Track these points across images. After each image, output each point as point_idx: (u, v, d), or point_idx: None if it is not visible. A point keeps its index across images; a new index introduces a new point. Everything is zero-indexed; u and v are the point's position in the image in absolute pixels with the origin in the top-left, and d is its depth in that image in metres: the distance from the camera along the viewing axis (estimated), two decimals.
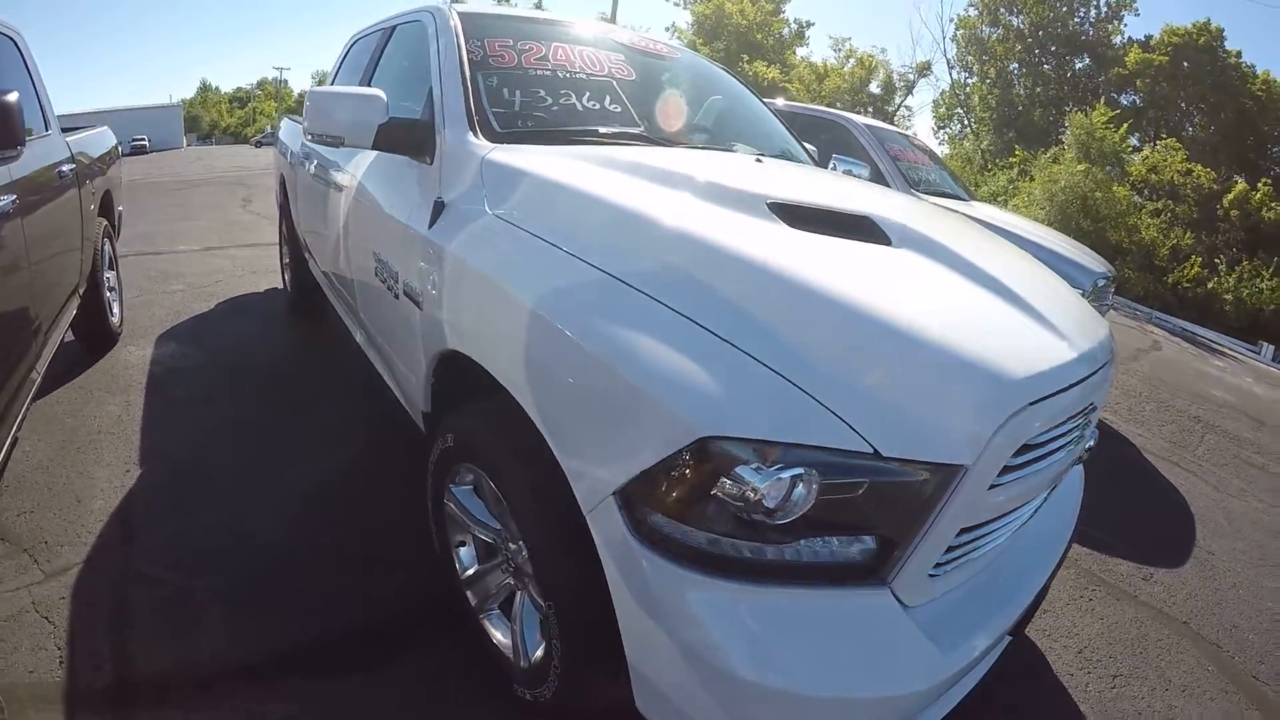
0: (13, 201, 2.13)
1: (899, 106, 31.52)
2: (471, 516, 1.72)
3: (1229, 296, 17.02)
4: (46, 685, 1.70)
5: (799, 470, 1.01)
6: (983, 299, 1.37)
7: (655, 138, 2.23)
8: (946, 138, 29.49)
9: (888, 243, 1.49)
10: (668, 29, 38.06)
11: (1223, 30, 23.95)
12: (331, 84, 3.75)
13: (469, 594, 1.81)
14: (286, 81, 78.04)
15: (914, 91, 31.28)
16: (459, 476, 1.72)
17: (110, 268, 3.93)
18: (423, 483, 1.92)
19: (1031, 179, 18.29)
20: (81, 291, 3.28)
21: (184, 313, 4.53)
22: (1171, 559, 2.99)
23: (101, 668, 1.75)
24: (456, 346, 1.60)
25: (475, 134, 1.88)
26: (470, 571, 1.81)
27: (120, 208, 4.40)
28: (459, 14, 2.36)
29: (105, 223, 3.85)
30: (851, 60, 31.71)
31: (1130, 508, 3.10)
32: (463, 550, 1.85)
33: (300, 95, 68.13)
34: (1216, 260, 18.02)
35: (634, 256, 1.28)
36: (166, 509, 2.41)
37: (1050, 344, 1.31)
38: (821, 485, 1.03)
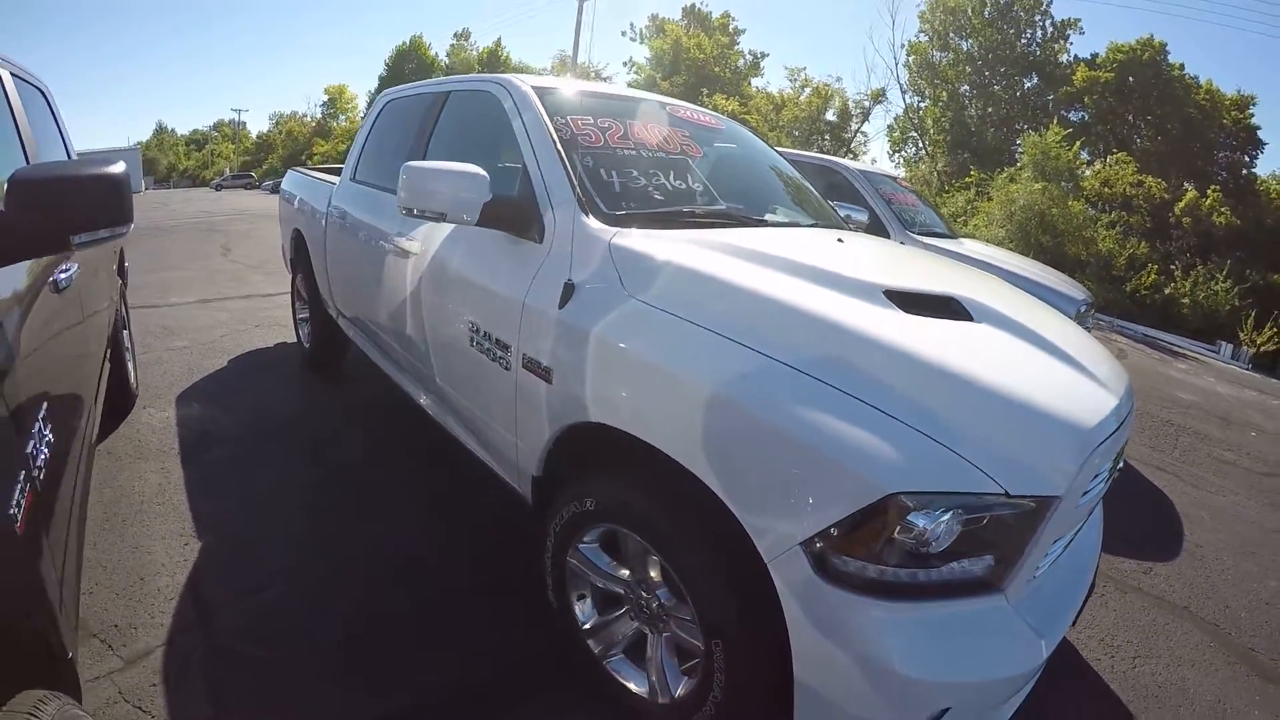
0: (77, 269, 2.11)
1: (855, 133, 32.39)
2: (600, 571, 1.93)
3: (1186, 300, 17.78)
4: None
5: (953, 511, 1.31)
6: (1049, 362, 1.72)
7: (738, 215, 2.47)
8: (902, 161, 30.33)
9: (970, 319, 1.79)
10: (625, 64, 38.79)
11: (1166, 45, 25.03)
12: (362, 144, 3.83)
13: (590, 643, 1.99)
14: (245, 124, 77.39)
15: (870, 118, 32.14)
16: (588, 535, 1.89)
17: (124, 326, 3.84)
18: (530, 541, 2.07)
19: (989, 199, 18.95)
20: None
21: (196, 370, 4.50)
22: (1165, 553, 3.40)
23: None
24: (602, 419, 1.76)
25: (586, 214, 2.04)
26: (592, 622, 2.00)
27: (127, 263, 4.30)
28: (534, 89, 2.51)
29: (120, 281, 3.78)
30: (807, 90, 32.56)
31: (1124, 510, 3.38)
32: (582, 603, 2.03)
33: (259, 136, 67.53)
34: (1172, 266, 18.80)
35: (794, 344, 1.51)
36: (237, 583, 2.39)
37: (1102, 396, 1.68)
38: (965, 520, 1.33)
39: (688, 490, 1.58)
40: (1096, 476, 1.57)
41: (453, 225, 2.45)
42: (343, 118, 56.43)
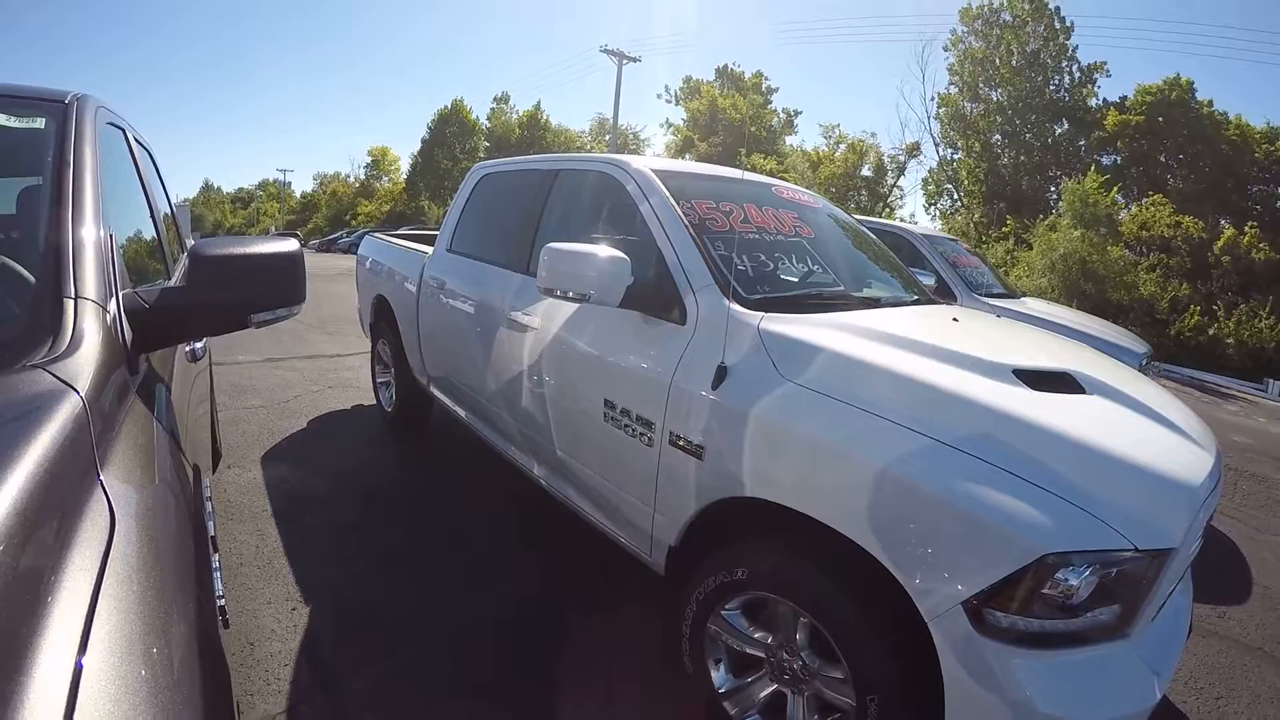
0: (205, 343, 2.16)
1: (891, 188, 32.57)
2: (741, 635, 2.06)
3: (1230, 340, 17.48)
4: None
5: (1093, 566, 1.49)
6: (1154, 427, 1.94)
7: (854, 294, 2.68)
8: (938, 213, 30.39)
9: (1084, 391, 2.00)
10: (662, 125, 39.59)
11: (1193, 83, 25.02)
12: (458, 216, 3.99)
13: (726, 704, 2.09)
14: (290, 184, 79.72)
15: (905, 172, 32.36)
16: (733, 602, 2.01)
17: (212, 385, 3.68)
18: (667, 610, 2.17)
19: (1030, 248, 18.94)
20: None
21: (276, 431, 4.54)
22: (1237, 597, 3.50)
23: None
24: (760, 494, 1.90)
25: (728, 298, 2.19)
26: (728, 685, 2.10)
27: None
28: (654, 171, 2.67)
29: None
30: (842, 146, 32.90)
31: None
32: (718, 668, 2.12)
33: (303, 195, 69.50)
34: (1215, 306, 18.50)
35: (946, 423, 1.70)
36: (355, 650, 2.37)
37: (1202, 455, 1.90)
38: (1103, 575, 1.51)
39: (845, 558, 1.76)
40: (1200, 528, 1.79)
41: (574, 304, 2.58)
42: (385, 178, 57.93)
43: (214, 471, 3.54)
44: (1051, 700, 1.49)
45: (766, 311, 2.16)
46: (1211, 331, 17.98)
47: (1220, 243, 20.42)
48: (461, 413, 3.70)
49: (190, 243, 1.64)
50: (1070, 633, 1.54)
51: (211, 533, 1.13)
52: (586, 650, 2.54)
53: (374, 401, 5.19)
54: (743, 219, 2.60)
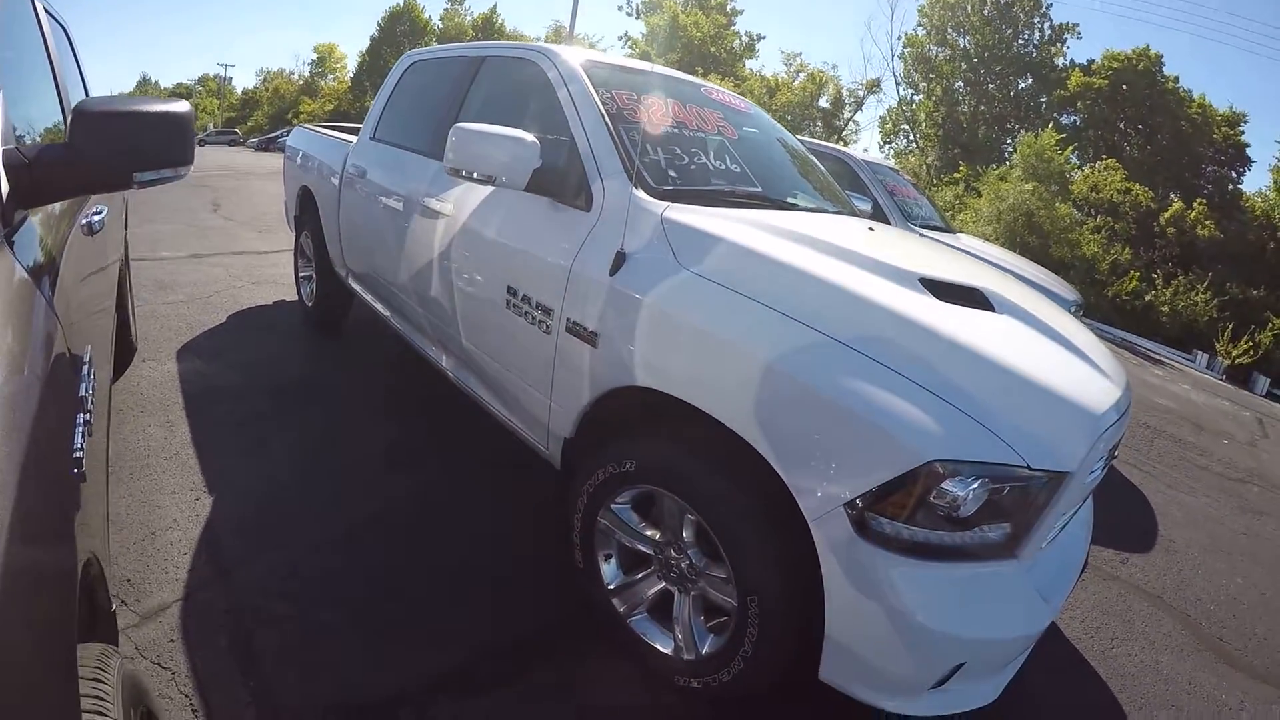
0: (107, 211, 2.05)
1: (847, 121, 32.42)
2: (631, 530, 2.02)
3: (1165, 309, 18.19)
4: None
5: (981, 479, 1.44)
6: (1062, 352, 1.90)
7: (772, 198, 2.57)
8: (892, 153, 30.44)
9: (992, 309, 1.94)
10: (620, 38, 38.42)
11: (1161, 56, 25.26)
12: (384, 104, 3.79)
13: (615, 601, 2.08)
14: (230, 80, 75.66)
15: (863, 108, 32.18)
16: (622, 496, 1.99)
17: (127, 277, 3.64)
18: (559, 501, 2.15)
19: (978, 195, 19.14)
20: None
21: (195, 325, 4.41)
22: (1141, 545, 3.60)
23: (244, 711, 1.72)
24: (651, 384, 1.85)
25: (636, 188, 2.11)
26: (617, 582, 2.09)
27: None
28: (580, 62, 2.55)
29: (124, 230, 3.61)
30: (802, 75, 32.49)
31: (1103, 503, 3.58)
32: (608, 563, 2.11)
33: (245, 93, 66.03)
34: (1154, 274, 19.15)
35: (843, 321, 1.63)
36: (255, 538, 2.37)
37: (1107, 386, 1.86)
38: (991, 489, 1.46)
39: (732, 453, 1.70)
40: (1099, 460, 1.75)
41: (488, 189, 2.51)
42: (331, 77, 55.46)
43: (129, 366, 3.56)
44: (931, 613, 1.47)
45: (674, 202, 2.08)
46: (1148, 298, 18.63)
47: (1167, 214, 20.99)
48: (377, 305, 3.58)
49: None
50: (955, 547, 1.51)
51: (78, 447, 1.06)
52: (483, 545, 2.56)
53: (296, 297, 5.07)
54: (663, 112, 2.50)
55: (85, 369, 1.29)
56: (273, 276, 5.98)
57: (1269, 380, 15.46)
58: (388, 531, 2.55)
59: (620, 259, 1.97)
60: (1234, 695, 2.44)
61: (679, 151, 2.38)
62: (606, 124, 2.28)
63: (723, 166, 2.48)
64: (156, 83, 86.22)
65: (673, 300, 1.84)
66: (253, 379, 3.69)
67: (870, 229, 2.56)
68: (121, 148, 1.23)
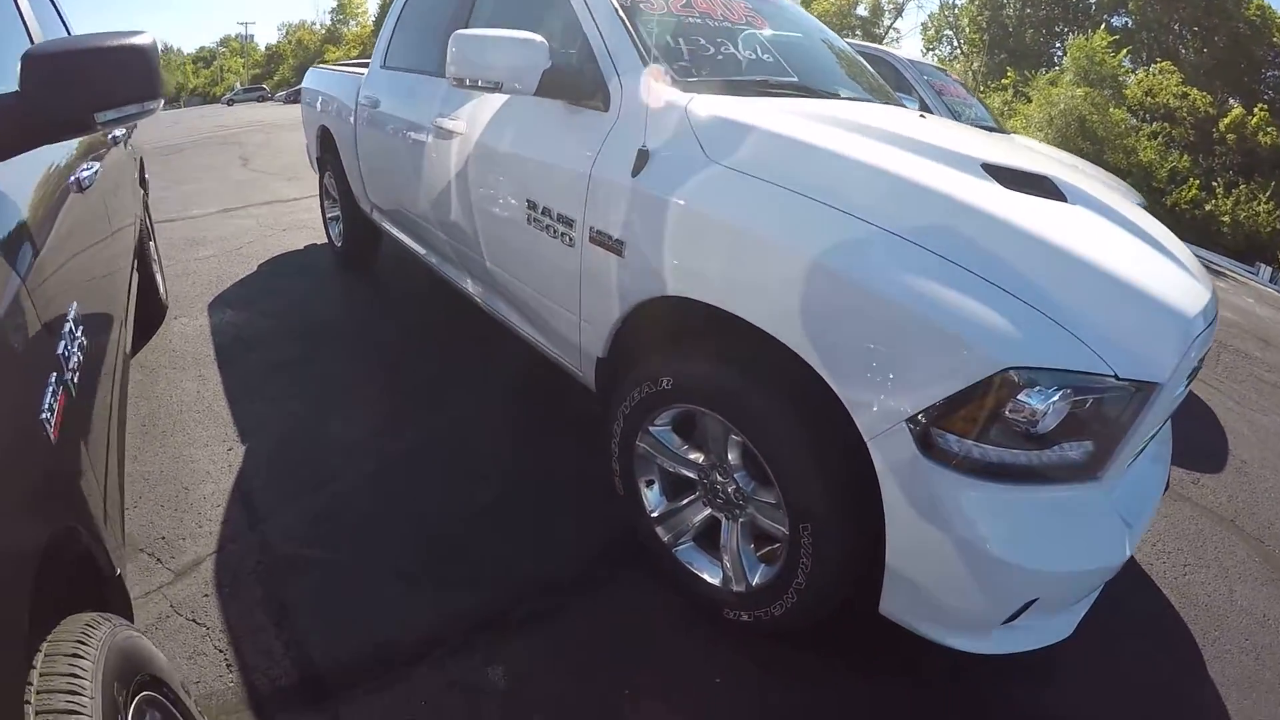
0: (99, 167, 2.00)
1: (888, 29, 31.00)
2: (672, 454, 1.87)
3: (1226, 219, 17.34)
4: (221, 694, 1.59)
5: (1063, 390, 1.25)
6: (1146, 250, 1.66)
7: (812, 88, 2.32)
8: (936, 60, 29.08)
9: (1064, 199, 1.70)
10: None
11: None
12: (392, 28, 3.61)
13: (659, 530, 1.96)
14: (252, 37, 74.87)
15: (903, 14, 30.67)
16: (661, 417, 1.84)
17: (149, 238, 3.68)
18: (598, 427, 2.03)
19: (1028, 101, 18.24)
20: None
21: (226, 278, 4.39)
22: (1212, 465, 3.36)
23: (278, 663, 1.67)
24: (684, 292, 1.68)
25: (656, 81, 1.91)
26: (661, 509, 1.96)
27: (147, 175, 4.10)
28: None
29: (143, 191, 3.64)
30: None
31: (1172, 420, 3.39)
32: (650, 489, 1.98)
33: (268, 48, 65.65)
34: (1214, 183, 18.21)
35: (899, 211, 1.42)
36: (287, 484, 2.32)
37: (1196, 288, 1.62)
38: (1073, 402, 1.27)
39: (777, 366, 1.53)
40: (1188, 372, 1.53)
41: (501, 100, 2.35)
42: (354, 22, 54.68)
43: (161, 325, 3.55)
44: (1006, 543, 1.30)
45: (700, 94, 1.87)
46: (1209, 207, 17.75)
47: (1227, 120, 19.86)
48: (403, 237, 3.49)
49: None
50: (1032, 467, 1.33)
51: (47, 407, 1.00)
52: (522, 478, 2.47)
53: (326, 239, 5.03)
54: (684, 3, 2.26)
55: (68, 327, 1.22)
56: (303, 222, 5.99)
57: None
58: (423, 469, 2.48)
59: (643, 158, 1.78)
60: None
61: (703, 42, 2.14)
62: (620, 15, 2.06)
63: (753, 57, 2.24)
64: (179, 49, 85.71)
65: (702, 198, 1.64)
66: (284, 324, 3.66)
67: (922, 116, 2.32)
68: (78, 89, 1.16)
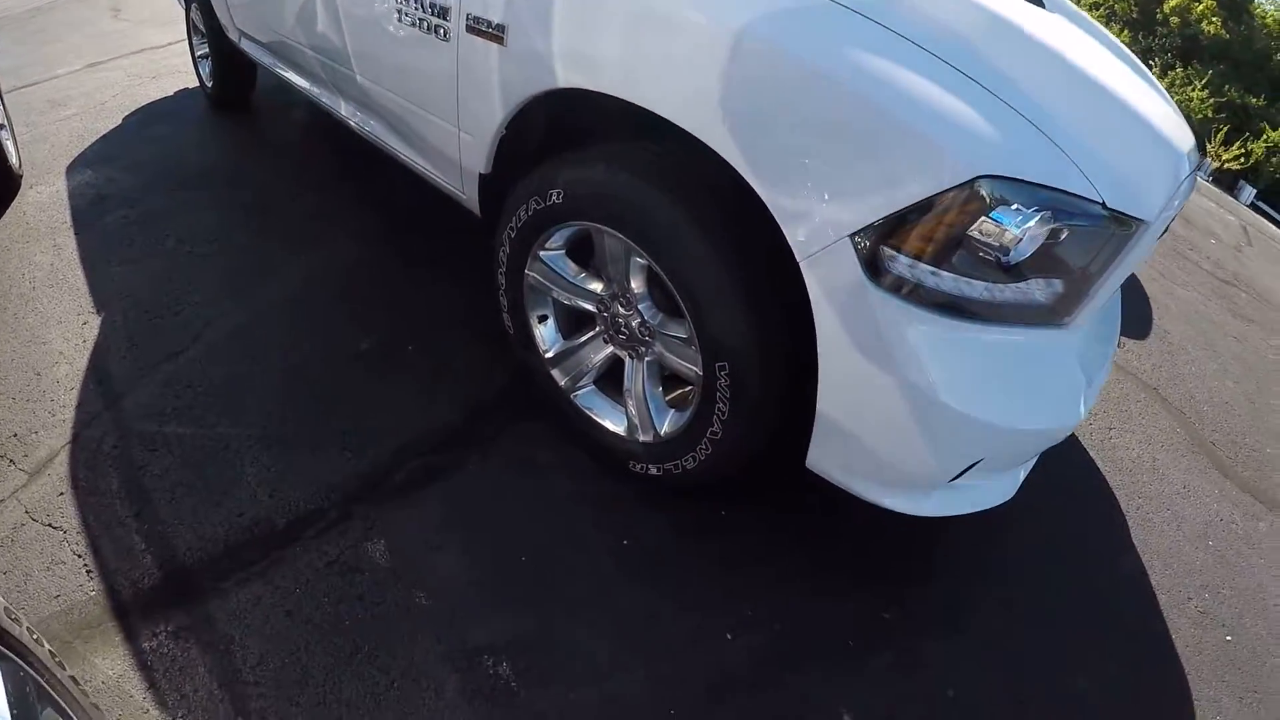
0: None
1: None
2: (566, 283, 1.59)
3: None
4: (82, 605, 1.39)
5: (1043, 213, 1.02)
6: (1133, 74, 1.46)
7: None
8: None
9: (1042, 5, 1.49)
10: None
11: None
12: None
13: (555, 373, 1.71)
14: None
15: None
16: (553, 239, 1.54)
17: None
18: (480, 255, 1.80)
19: None
20: None
21: (88, 135, 3.83)
22: (1137, 332, 3.29)
23: (140, 563, 1.46)
24: (578, 84, 1.35)
25: None
26: (557, 348, 1.70)
27: None
28: None
29: None
30: None
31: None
32: (544, 326, 1.72)
33: None
34: (1150, 63, 18.27)
35: None
36: (147, 353, 2.04)
37: (1184, 127, 1.43)
38: (1052, 230, 1.04)
39: (690, 170, 1.26)
40: (1167, 220, 1.34)
41: None
42: None
43: (13, 197, 3.08)
44: (958, 389, 1.11)
45: None
46: None
47: (1172, 2, 19.75)
48: (275, 66, 3.04)
49: None
50: (994, 304, 1.10)
51: None
52: (406, 323, 2.21)
53: (197, 82, 4.50)
54: None
55: None
56: (175, 68, 5.32)
57: (1254, 191, 15.10)
58: (296, 319, 2.20)
59: None
60: (1225, 506, 2.22)
61: None
62: None
63: None
64: None
65: None
66: (148, 178, 3.20)
67: None
68: None
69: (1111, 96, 1.19)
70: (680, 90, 1.20)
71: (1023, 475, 1.49)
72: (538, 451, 1.76)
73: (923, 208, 1.01)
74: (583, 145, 1.46)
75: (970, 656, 1.49)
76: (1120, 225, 1.08)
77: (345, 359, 2.02)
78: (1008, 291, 1.09)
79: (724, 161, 1.16)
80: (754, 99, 1.11)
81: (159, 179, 3.18)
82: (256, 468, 1.66)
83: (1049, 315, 1.16)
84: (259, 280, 2.38)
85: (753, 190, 1.14)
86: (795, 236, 1.11)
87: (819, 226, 1.08)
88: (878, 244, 1.05)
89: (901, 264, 1.06)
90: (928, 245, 1.04)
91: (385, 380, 1.95)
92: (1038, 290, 1.11)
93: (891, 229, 1.04)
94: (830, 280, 1.10)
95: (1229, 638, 1.72)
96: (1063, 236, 1.06)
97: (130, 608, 1.38)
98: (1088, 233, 1.08)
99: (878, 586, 1.58)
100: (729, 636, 1.43)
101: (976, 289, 1.07)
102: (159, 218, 2.80)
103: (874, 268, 1.07)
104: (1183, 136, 1.35)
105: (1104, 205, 1.03)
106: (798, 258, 1.12)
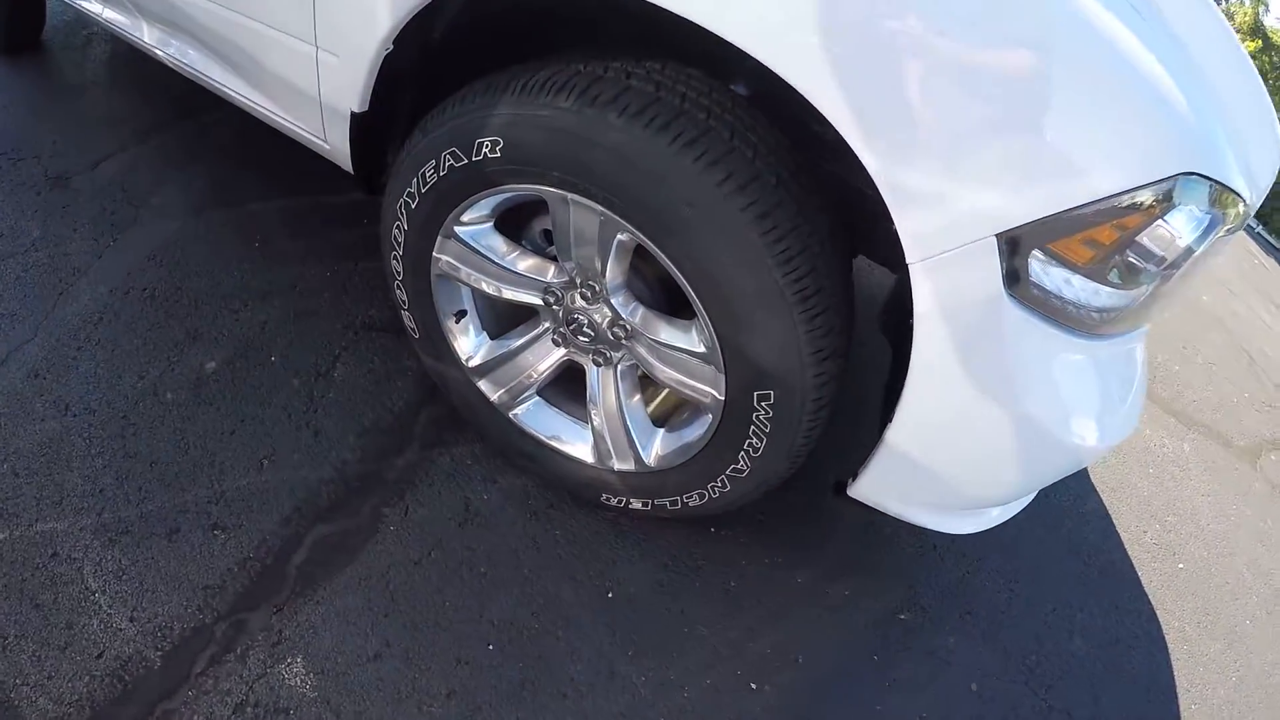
0: None
1: None
2: (497, 267, 1.14)
3: None
4: None
5: (1211, 215, 0.82)
6: (1240, 52, 1.19)
7: None
8: None
9: None
10: None
11: None
12: None
13: (483, 386, 1.30)
14: None
15: None
16: (476, 209, 1.09)
17: None
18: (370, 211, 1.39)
19: None
20: None
21: None
22: None
23: None
24: None
25: None
26: (483, 354, 1.28)
27: None
28: None
29: None
30: None
31: None
32: (462, 325, 1.28)
33: None
34: None
35: None
36: None
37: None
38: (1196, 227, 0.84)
39: (730, 115, 0.89)
40: None
41: None
42: None
43: None
44: (1078, 420, 0.94)
45: None
46: None
47: None
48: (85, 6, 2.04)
49: None
50: (1108, 313, 0.87)
51: None
52: (249, 326, 1.60)
53: None
54: None
55: None
56: None
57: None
58: (115, 341, 1.52)
59: None
60: (1155, 429, 2.22)
61: None
62: None
63: None
64: None
65: None
66: None
67: None
68: None
69: (1253, 76, 1.02)
70: None
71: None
72: (474, 490, 1.36)
73: (1108, 204, 0.75)
74: (534, 70, 0.97)
75: (984, 642, 1.40)
76: (1235, 219, 0.90)
77: (188, 388, 1.44)
78: (1127, 298, 0.87)
79: (792, 104, 0.80)
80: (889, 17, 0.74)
81: None
82: (101, 577, 1.14)
83: (1144, 320, 0.98)
84: (57, 291, 1.64)
85: (830, 156, 0.83)
86: (916, 230, 0.80)
87: (956, 219, 0.78)
88: (1031, 247, 0.78)
89: (1055, 274, 0.80)
90: (1094, 252, 0.78)
91: (246, 413, 1.41)
92: (1145, 294, 0.90)
93: (1055, 229, 0.77)
94: (954, 290, 0.82)
95: (1180, 565, 1.77)
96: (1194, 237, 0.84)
97: None
98: (1206, 229, 0.87)
99: (890, 595, 1.42)
100: (753, 686, 1.20)
101: (1101, 297, 0.84)
102: None
103: (1015, 276, 0.80)
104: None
105: (1245, 204, 0.86)
106: (908, 259, 0.81)
